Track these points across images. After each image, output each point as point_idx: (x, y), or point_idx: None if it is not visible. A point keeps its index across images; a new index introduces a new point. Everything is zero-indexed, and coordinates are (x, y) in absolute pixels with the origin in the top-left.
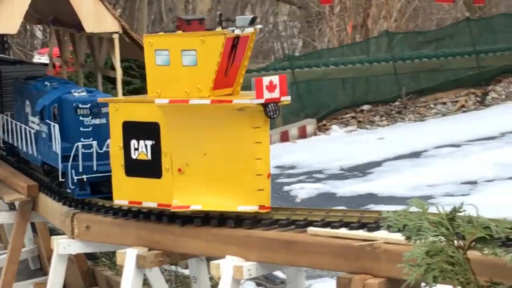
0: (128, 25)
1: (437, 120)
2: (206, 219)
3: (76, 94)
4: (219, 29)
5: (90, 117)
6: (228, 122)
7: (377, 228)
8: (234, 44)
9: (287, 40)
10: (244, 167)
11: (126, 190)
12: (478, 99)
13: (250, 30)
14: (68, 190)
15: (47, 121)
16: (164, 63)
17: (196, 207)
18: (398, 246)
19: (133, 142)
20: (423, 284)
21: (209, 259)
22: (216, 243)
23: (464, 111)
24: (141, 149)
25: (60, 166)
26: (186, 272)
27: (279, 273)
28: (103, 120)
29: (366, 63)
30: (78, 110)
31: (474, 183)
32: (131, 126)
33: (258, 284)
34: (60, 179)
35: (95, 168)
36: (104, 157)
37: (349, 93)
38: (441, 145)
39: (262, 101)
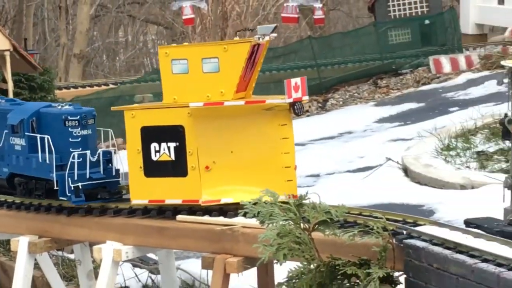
0: (17, 44)
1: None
2: (89, 210)
3: (59, 107)
4: (236, 38)
5: (79, 128)
6: (257, 121)
7: (235, 215)
8: (254, 51)
9: (156, 56)
10: (273, 161)
11: (145, 191)
12: (320, 105)
13: (266, 38)
14: (62, 198)
15: (28, 134)
16: (182, 71)
17: (227, 200)
18: (254, 229)
19: (154, 145)
20: (275, 261)
21: (92, 244)
22: (98, 231)
23: (308, 116)
24: (163, 151)
25: (55, 175)
26: (72, 256)
27: (152, 255)
28: (89, 131)
29: None
30: (67, 122)
31: (317, 175)
32: (151, 131)
33: (134, 265)
34: (55, 187)
35: (87, 176)
36: (95, 165)
37: None
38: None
39: (291, 100)
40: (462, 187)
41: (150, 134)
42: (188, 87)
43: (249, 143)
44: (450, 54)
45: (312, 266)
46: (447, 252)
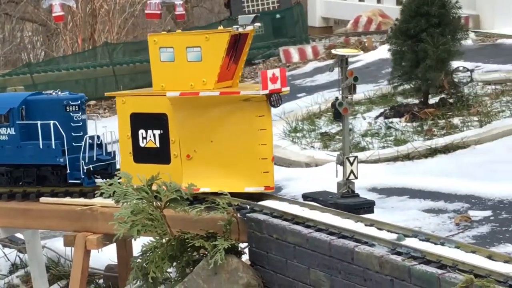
0: None
1: None
2: None
3: (54, 94)
4: (220, 27)
5: (80, 113)
6: (235, 112)
7: (94, 196)
8: (236, 40)
9: (32, 52)
10: (250, 152)
11: (134, 175)
12: None
13: (250, 28)
14: (74, 181)
15: (19, 122)
16: (168, 59)
17: (205, 189)
18: (111, 208)
19: (141, 132)
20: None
21: None
22: None
23: None
24: (149, 138)
25: (67, 158)
26: None
27: (20, 235)
28: (85, 116)
29: (92, 68)
30: (68, 107)
31: None
32: (139, 117)
33: (4, 246)
34: (68, 171)
35: (95, 158)
36: (99, 147)
37: (80, 92)
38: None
39: (266, 92)
40: (307, 165)
41: (138, 121)
42: (174, 75)
43: (227, 133)
44: (298, 45)
45: (164, 241)
46: (285, 223)
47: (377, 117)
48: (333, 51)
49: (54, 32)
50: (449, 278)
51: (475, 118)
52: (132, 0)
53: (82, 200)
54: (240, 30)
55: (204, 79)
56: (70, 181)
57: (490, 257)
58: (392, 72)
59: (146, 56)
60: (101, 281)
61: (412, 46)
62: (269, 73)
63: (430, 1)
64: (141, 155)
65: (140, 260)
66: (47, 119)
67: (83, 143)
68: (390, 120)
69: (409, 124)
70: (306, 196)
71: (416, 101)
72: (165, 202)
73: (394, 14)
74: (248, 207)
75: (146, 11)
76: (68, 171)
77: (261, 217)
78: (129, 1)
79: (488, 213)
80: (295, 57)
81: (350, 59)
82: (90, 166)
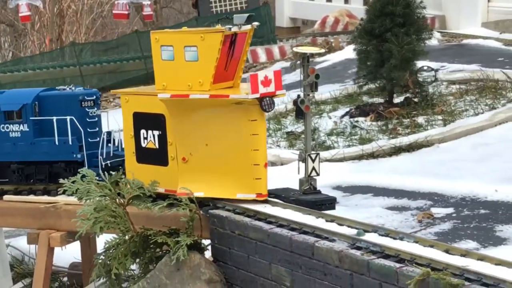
0: None
1: (116, 110)
2: None
3: (68, 89)
4: (218, 26)
5: (95, 108)
6: (227, 115)
7: (57, 193)
8: (232, 40)
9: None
10: (243, 157)
11: (137, 176)
12: None
13: (247, 27)
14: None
15: (33, 118)
16: (169, 58)
17: (199, 194)
18: (75, 206)
19: (143, 132)
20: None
21: None
22: None
23: None
24: (150, 138)
25: (84, 154)
26: None
27: None
28: (99, 111)
29: (59, 68)
30: (83, 103)
31: None
32: (141, 117)
33: None
34: (86, 167)
35: (111, 154)
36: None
37: None
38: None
39: (257, 95)
40: (273, 164)
41: (140, 120)
42: (174, 75)
43: (221, 137)
44: (266, 45)
45: (126, 237)
46: (247, 219)
47: (342, 116)
48: (294, 49)
49: (22, 32)
50: (407, 271)
51: (439, 117)
52: (100, 1)
53: (46, 198)
54: (235, 29)
55: (200, 79)
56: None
57: (447, 251)
58: (357, 71)
59: (114, 56)
60: (65, 279)
61: (377, 45)
62: (261, 75)
63: (395, 1)
64: (143, 155)
65: (103, 257)
66: (62, 115)
67: (100, 139)
68: (356, 119)
69: (374, 123)
70: (269, 193)
71: (382, 100)
72: (128, 199)
73: (361, 14)
74: (211, 204)
75: (113, 11)
76: (86, 167)
77: (224, 213)
78: (97, 2)
79: (450, 210)
80: (262, 57)
81: (317, 59)
82: (108, 161)
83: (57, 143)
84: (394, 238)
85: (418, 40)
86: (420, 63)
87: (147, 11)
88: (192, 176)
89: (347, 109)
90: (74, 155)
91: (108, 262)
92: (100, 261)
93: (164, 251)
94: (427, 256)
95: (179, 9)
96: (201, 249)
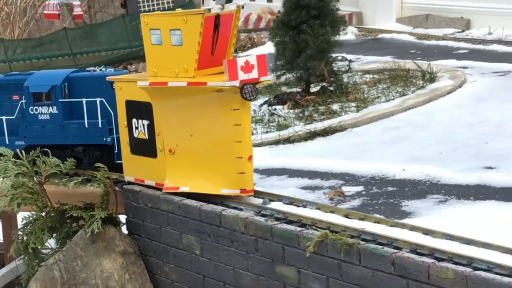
0: None
1: None
2: None
3: (98, 71)
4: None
5: None
6: (208, 104)
7: None
8: (216, 23)
9: None
10: (226, 150)
11: (132, 168)
12: None
13: (232, 8)
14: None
15: (62, 100)
16: (157, 42)
17: (184, 189)
18: None
19: (134, 121)
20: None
21: None
22: None
23: None
24: (140, 128)
25: (115, 137)
26: None
27: None
28: None
29: None
30: (113, 85)
31: None
32: (132, 105)
33: None
34: (116, 151)
35: None
36: None
37: None
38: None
39: (236, 83)
40: None
41: (132, 109)
42: (163, 60)
43: (204, 128)
44: None
45: (43, 213)
46: (159, 193)
47: (261, 105)
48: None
49: None
50: (307, 234)
51: (353, 104)
52: (33, 3)
53: None
54: (216, 11)
55: (185, 65)
56: (117, 161)
57: (347, 215)
58: (275, 62)
59: (44, 53)
60: None
61: (293, 36)
62: (240, 61)
63: None
64: (136, 146)
65: (21, 233)
66: (92, 97)
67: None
68: (274, 107)
69: (291, 110)
70: None
71: (299, 89)
72: (45, 177)
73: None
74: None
75: (44, 12)
76: (116, 151)
77: (137, 188)
78: (30, 4)
79: (360, 188)
80: None
81: (240, 54)
82: None
83: (86, 125)
84: (298, 206)
85: (333, 32)
86: (336, 55)
87: (78, 11)
88: (178, 169)
89: (266, 99)
90: (104, 138)
91: (26, 238)
92: (18, 237)
93: (80, 226)
94: (327, 220)
95: (113, 14)
96: (116, 223)
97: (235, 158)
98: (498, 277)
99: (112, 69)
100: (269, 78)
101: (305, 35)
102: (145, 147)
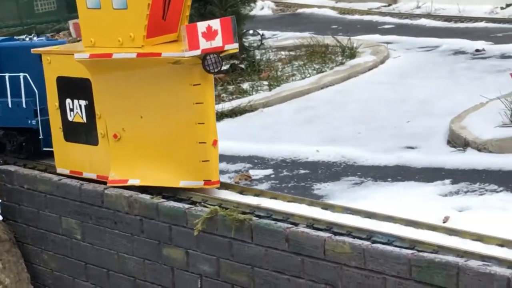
0: None
1: None
2: None
3: (27, 40)
4: None
5: None
6: (163, 79)
7: None
8: None
9: None
10: (185, 134)
11: (66, 158)
12: None
13: None
14: (49, 149)
15: None
16: (95, 5)
17: (134, 181)
18: None
19: (68, 102)
20: None
21: None
22: None
23: None
24: (76, 110)
25: (39, 121)
26: None
27: None
28: None
29: None
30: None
31: None
32: (65, 83)
33: None
34: (42, 137)
35: None
36: None
37: None
38: None
39: (197, 52)
40: None
41: (65, 87)
42: (103, 28)
43: (157, 107)
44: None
45: None
46: (36, 172)
47: None
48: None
49: None
50: (195, 211)
51: (265, 83)
52: None
53: None
54: None
55: (131, 33)
56: (45, 149)
57: (241, 192)
58: None
59: None
60: None
61: (199, 9)
62: (201, 26)
63: None
64: (71, 132)
65: None
66: (18, 71)
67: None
68: None
69: None
70: None
71: None
72: None
73: None
74: (1, 160)
75: None
76: (41, 137)
77: (12, 168)
78: None
79: (269, 171)
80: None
81: None
82: None
83: (10, 105)
84: None
85: (243, 3)
86: (247, 30)
87: None
88: (126, 158)
89: None
90: (29, 121)
91: None
92: None
93: None
94: (219, 196)
95: None
96: None
97: (197, 144)
98: (397, 249)
99: (44, 37)
100: (236, 45)
101: (212, 7)
102: (83, 133)
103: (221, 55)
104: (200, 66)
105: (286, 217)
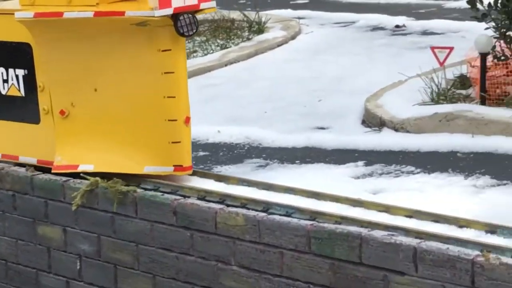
0: None
1: None
2: None
3: None
4: None
5: None
6: (124, 44)
7: None
8: None
9: None
10: (151, 109)
11: None
12: None
13: None
14: None
15: None
16: None
17: (86, 167)
18: None
19: (1, 71)
20: None
21: None
22: None
23: None
24: (12, 82)
25: None
26: None
27: None
28: None
29: None
30: None
31: None
32: None
33: None
34: None
35: None
36: None
37: None
38: None
39: (169, 11)
40: None
41: None
42: None
43: (117, 78)
44: None
45: None
46: None
47: None
48: None
49: None
50: (74, 184)
51: None
52: None
53: None
54: None
55: None
56: None
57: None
58: None
59: None
60: None
61: None
62: None
63: None
64: (4, 107)
65: None
66: None
67: None
68: None
69: None
70: None
71: None
72: None
73: None
74: None
75: None
76: None
77: None
78: None
79: None
80: None
81: None
82: None
83: None
84: None
85: None
86: None
87: None
88: (76, 139)
89: None
90: None
91: None
92: None
93: None
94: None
95: None
96: None
97: (166, 121)
98: (295, 220)
99: None
100: (213, 4)
101: None
102: (20, 109)
103: (196, 14)
104: (171, 28)
105: (175, 190)
